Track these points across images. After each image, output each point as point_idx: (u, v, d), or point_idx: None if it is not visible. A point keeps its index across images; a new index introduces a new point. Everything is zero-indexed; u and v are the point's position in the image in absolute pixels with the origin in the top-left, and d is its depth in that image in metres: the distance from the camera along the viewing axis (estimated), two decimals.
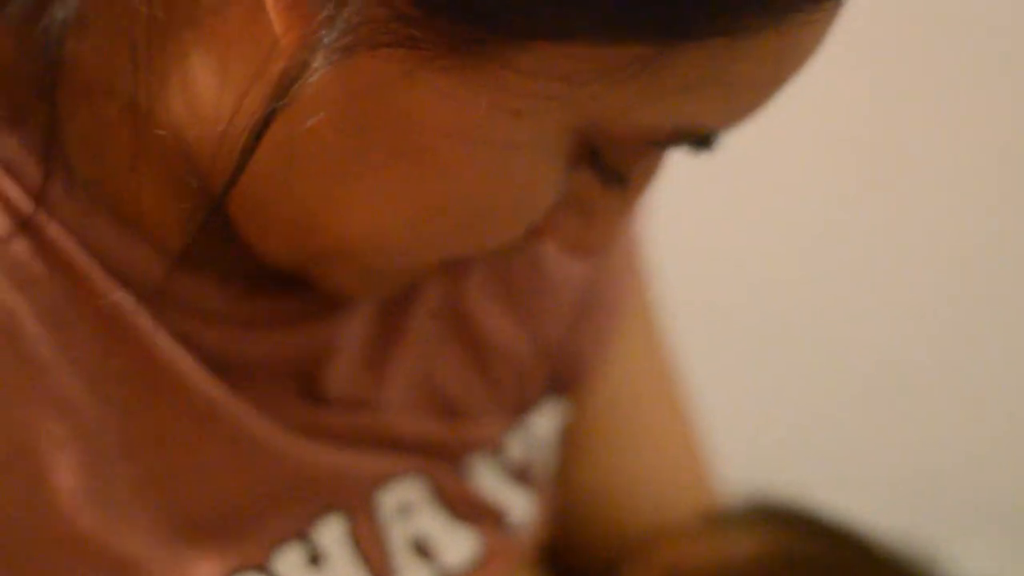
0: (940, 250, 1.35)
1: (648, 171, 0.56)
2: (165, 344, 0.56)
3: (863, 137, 1.31)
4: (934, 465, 1.33)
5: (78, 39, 0.54)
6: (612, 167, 0.53)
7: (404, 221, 0.53)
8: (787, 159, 1.31)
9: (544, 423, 0.70)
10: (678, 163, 0.57)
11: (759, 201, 1.33)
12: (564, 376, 0.71)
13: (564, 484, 0.73)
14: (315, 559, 0.60)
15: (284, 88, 0.48)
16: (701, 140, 0.53)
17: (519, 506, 0.68)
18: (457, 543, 0.65)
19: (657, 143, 0.52)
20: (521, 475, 0.69)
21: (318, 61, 0.48)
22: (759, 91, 0.51)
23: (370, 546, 0.62)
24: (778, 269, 1.34)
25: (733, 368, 1.29)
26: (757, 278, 1.34)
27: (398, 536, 0.63)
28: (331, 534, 0.61)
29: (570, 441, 0.73)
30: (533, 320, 0.69)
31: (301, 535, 0.60)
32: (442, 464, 0.65)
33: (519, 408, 0.69)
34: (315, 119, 0.50)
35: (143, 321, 0.55)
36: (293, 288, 0.61)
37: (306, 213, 0.54)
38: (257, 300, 0.60)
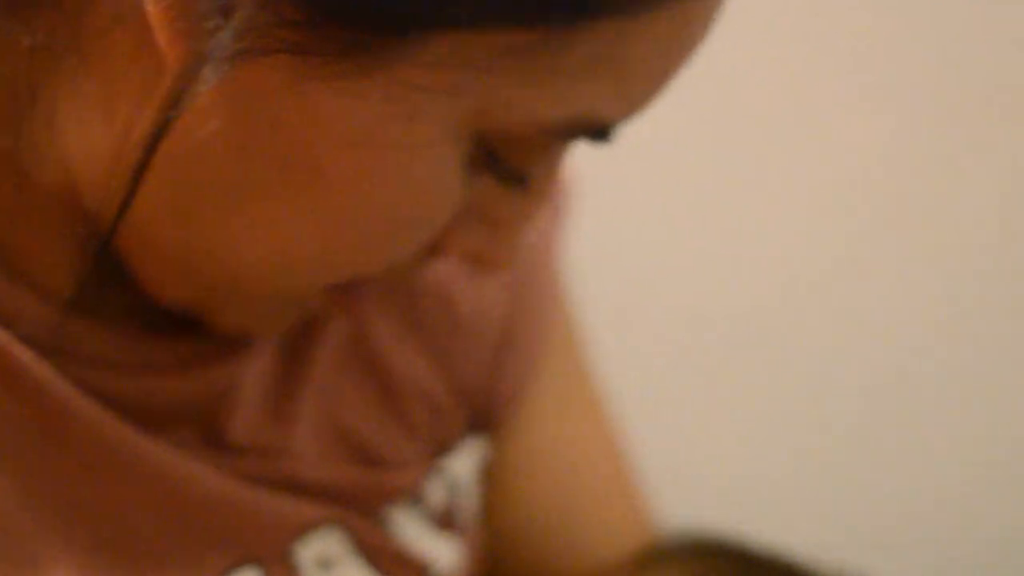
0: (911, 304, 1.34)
1: (549, 172, 0.55)
2: (64, 391, 0.54)
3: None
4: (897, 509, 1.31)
5: None
6: (511, 169, 0.52)
7: (304, 240, 0.52)
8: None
9: (464, 464, 0.68)
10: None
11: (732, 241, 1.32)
12: (484, 415, 0.70)
13: (490, 525, 0.72)
14: None
15: (172, 103, 0.47)
16: (598, 132, 0.52)
17: (444, 555, 0.66)
18: None
19: (554, 136, 0.51)
20: (444, 522, 0.67)
21: (206, 73, 0.47)
22: (652, 77, 0.51)
23: None
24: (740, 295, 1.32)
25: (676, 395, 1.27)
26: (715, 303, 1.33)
27: None
28: None
29: (494, 481, 0.71)
30: (447, 359, 0.67)
31: None
32: (360, 514, 0.63)
33: (437, 450, 0.67)
34: (205, 133, 0.49)
35: (40, 370, 0.53)
36: (190, 330, 0.59)
37: (200, 243, 0.53)
38: (153, 344, 0.58)
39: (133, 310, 0.57)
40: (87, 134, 0.52)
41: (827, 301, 1.26)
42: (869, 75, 1.21)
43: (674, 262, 1.25)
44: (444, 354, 0.67)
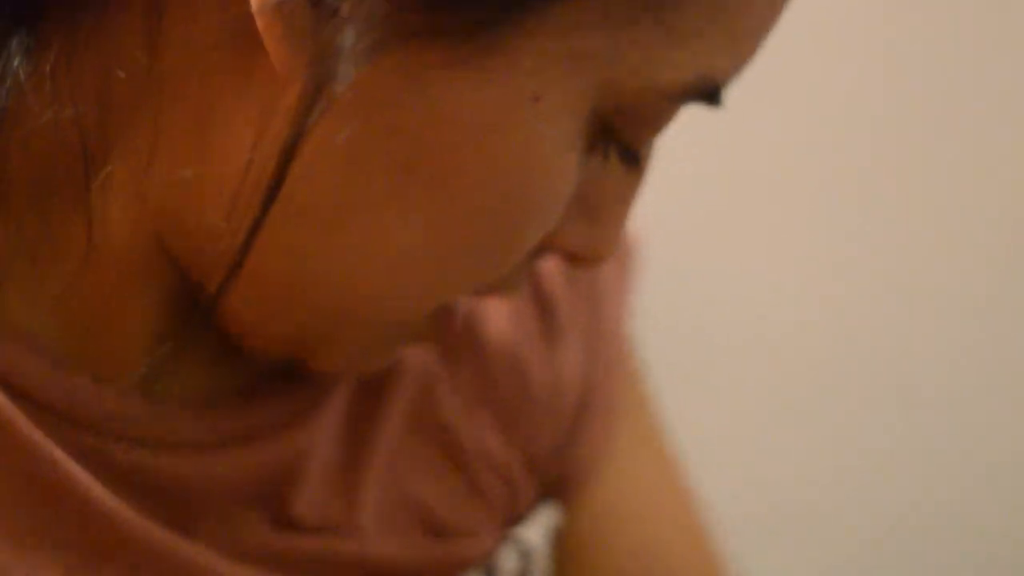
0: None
1: (649, 152, 0.54)
2: (107, 502, 0.51)
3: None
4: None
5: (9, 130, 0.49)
6: (627, 144, 0.51)
7: (421, 253, 0.49)
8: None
9: (537, 532, 0.66)
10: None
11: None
12: (558, 482, 0.68)
13: None
14: None
15: (304, 117, 0.44)
16: (711, 95, 0.51)
17: None
18: None
19: (672, 101, 0.50)
20: None
21: (338, 76, 0.44)
22: (759, 28, 0.50)
23: None
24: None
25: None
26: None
27: None
28: None
29: (567, 548, 0.69)
30: (520, 430, 0.65)
31: None
32: None
33: (510, 520, 0.65)
34: (331, 145, 0.46)
35: (82, 480, 0.51)
36: (252, 401, 0.56)
37: (307, 271, 0.50)
38: (217, 417, 0.55)
39: (196, 386, 0.55)
40: (181, 178, 0.48)
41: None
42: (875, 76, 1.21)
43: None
44: (517, 425, 0.65)
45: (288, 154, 0.45)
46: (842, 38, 1.16)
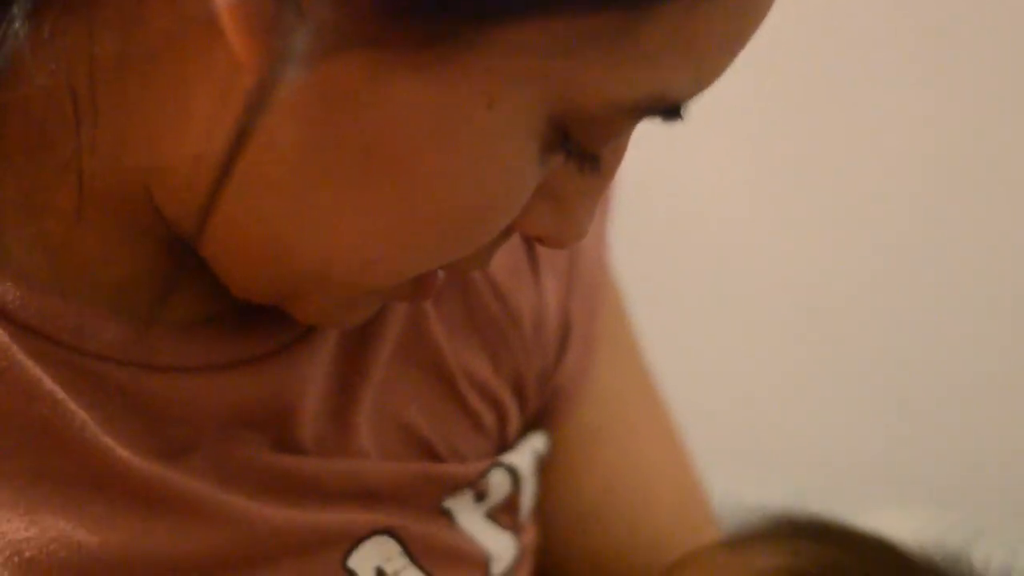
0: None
1: (618, 151, 0.55)
2: (95, 440, 0.53)
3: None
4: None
5: (9, 90, 0.51)
6: (585, 149, 0.52)
7: (387, 232, 0.51)
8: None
9: (524, 459, 0.67)
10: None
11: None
12: (543, 409, 0.69)
13: (549, 516, 0.71)
14: None
15: (254, 105, 0.47)
16: (671, 110, 0.52)
17: (506, 550, 0.65)
18: None
19: (629, 116, 0.51)
20: (506, 516, 0.66)
21: (289, 72, 0.46)
22: (723, 51, 0.51)
23: None
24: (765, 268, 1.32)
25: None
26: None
27: None
28: None
29: (553, 471, 0.70)
30: (507, 356, 0.67)
31: None
32: (421, 512, 0.62)
33: (499, 447, 0.67)
34: (286, 132, 0.48)
35: (74, 420, 0.53)
36: (248, 327, 0.58)
37: (283, 239, 0.52)
38: (219, 344, 0.57)
39: (195, 312, 0.57)
40: (159, 139, 0.51)
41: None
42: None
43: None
44: (504, 353, 0.66)
45: (240, 137, 0.48)
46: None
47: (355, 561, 0.59)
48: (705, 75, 0.51)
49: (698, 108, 0.52)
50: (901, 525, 0.77)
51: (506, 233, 0.55)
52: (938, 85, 1.30)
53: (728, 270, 1.38)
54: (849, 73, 1.32)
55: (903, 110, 1.32)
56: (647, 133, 0.55)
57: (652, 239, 1.26)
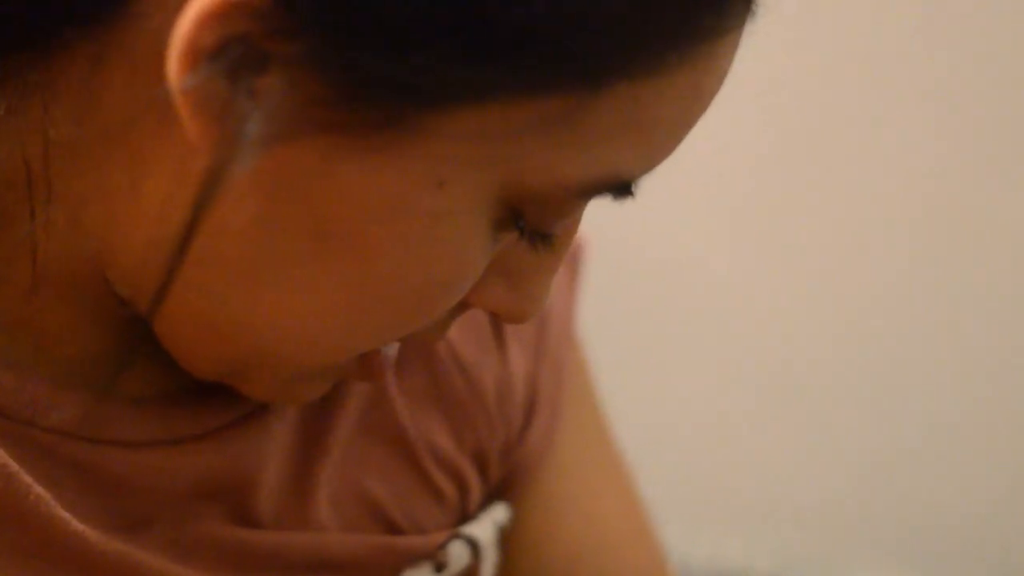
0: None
1: (570, 228, 0.55)
2: (51, 514, 0.53)
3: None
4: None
5: None
6: (536, 228, 0.53)
7: (335, 311, 0.52)
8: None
9: (486, 530, 0.67)
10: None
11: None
12: (507, 479, 0.69)
13: None
14: None
15: (206, 189, 0.47)
16: (622, 189, 0.52)
17: None
18: None
19: (580, 196, 0.52)
20: None
21: (242, 155, 0.47)
22: (674, 131, 0.51)
23: None
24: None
25: None
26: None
27: None
28: None
29: (515, 542, 0.70)
30: (470, 429, 0.67)
31: None
32: None
33: (460, 519, 0.67)
34: (238, 215, 0.49)
35: (28, 494, 0.53)
36: (206, 401, 0.58)
37: (231, 318, 0.53)
38: (175, 419, 0.57)
39: (152, 386, 0.57)
40: (113, 220, 0.52)
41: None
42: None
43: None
44: (467, 427, 0.66)
45: (194, 219, 0.48)
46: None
47: None
48: (656, 154, 0.51)
49: (676, 161, 0.52)
50: None
51: (460, 307, 0.55)
52: (920, 154, 1.30)
53: (708, 328, 1.37)
54: (830, 124, 1.33)
55: (884, 159, 1.32)
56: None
57: (628, 295, 1.26)
